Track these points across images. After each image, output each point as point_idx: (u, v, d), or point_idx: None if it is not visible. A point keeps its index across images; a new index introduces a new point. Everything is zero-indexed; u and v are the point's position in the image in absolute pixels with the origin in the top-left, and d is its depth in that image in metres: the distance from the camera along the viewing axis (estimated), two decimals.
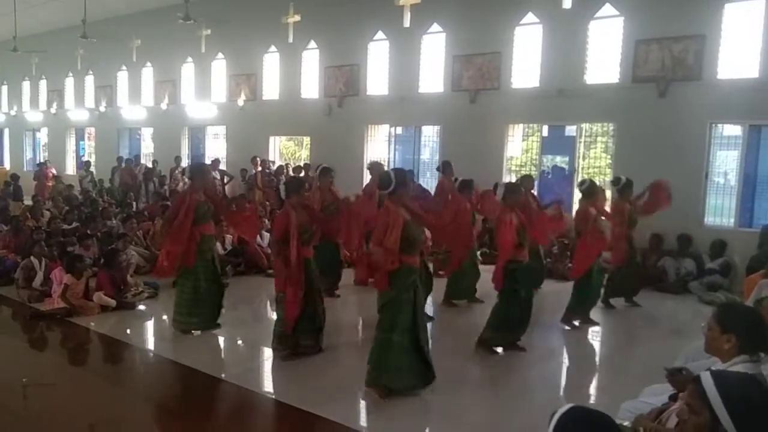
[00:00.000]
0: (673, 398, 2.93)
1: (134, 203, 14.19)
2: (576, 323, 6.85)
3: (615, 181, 7.80)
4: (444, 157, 11.37)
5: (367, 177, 9.90)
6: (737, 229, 9.20)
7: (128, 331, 6.59)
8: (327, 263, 7.21)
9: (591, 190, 6.90)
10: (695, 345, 4.07)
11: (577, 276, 6.86)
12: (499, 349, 5.86)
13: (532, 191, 8.51)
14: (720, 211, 9.54)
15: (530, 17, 10.89)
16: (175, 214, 6.11)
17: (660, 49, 9.50)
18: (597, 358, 6.33)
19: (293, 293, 5.29)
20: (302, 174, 13.44)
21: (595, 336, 6.82)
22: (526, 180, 8.39)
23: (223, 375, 5.26)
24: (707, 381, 1.87)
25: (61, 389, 4.98)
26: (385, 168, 11.00)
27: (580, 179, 9.18)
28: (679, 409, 2.27)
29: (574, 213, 9.85)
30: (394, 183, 4.60)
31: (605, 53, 10.26)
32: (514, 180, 10.04)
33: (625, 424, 2.94)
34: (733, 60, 9.10)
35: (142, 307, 7.35)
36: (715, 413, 1.83)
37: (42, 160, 19.50)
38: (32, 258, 7.63)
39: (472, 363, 5.66)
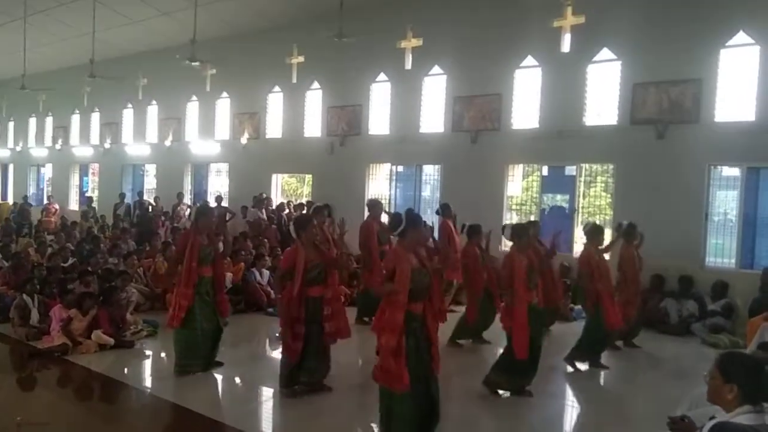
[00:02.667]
0: None
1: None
2: (579, 366, 6.77)
3: (617, 228, 7.80)
4: (445, 196, 11.47)
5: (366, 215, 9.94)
6: (739, 271, 9.18)
7: (126, 370, 6.52)
8: None
9: (593, 232, 6.92)
10: (699, 391, 4.02)
11: (619, 326, 6.82)
12: (506, 393, 5.78)
13: (539, 237, 8.48)
14: (721, 251, 9.53)
15: (530, 60, 11.09)
16: (180, 255, 6.10)
17: (657, 92, 9.65)
18: (601, 403, 6.23)
19: (289, 329, 5.35)
20: (305, 211, 13.52)
21: (599, 379, 6.73)
22: (534, 225, 8.39)
23: (221, 417, 5.19)
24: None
25: (56, 428, 4.91)
26: (384, 205, 11.09)
27: (581, 219, 9.19)
28: None
29: (575, 252, 9.90)
30: (404, 224, 4.34)
31: (604, 96, 10.42)
32: (516, 220, 10.08)
33: None
34: (730, 103, 9.24)
35: (140, 345, 7.29)
36: None
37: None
38: (24, 296, 7.60)
39: (474, 406, 5.58)
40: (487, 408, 5.58)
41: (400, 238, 4.43)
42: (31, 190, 23.71)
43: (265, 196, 14.30)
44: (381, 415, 4.40)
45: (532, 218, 11.29)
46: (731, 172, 9.53)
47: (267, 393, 5.84)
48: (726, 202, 9.68)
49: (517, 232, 5.83)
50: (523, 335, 5.46)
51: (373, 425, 4.81)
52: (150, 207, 16.12)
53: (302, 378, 5.54)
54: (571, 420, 5.68)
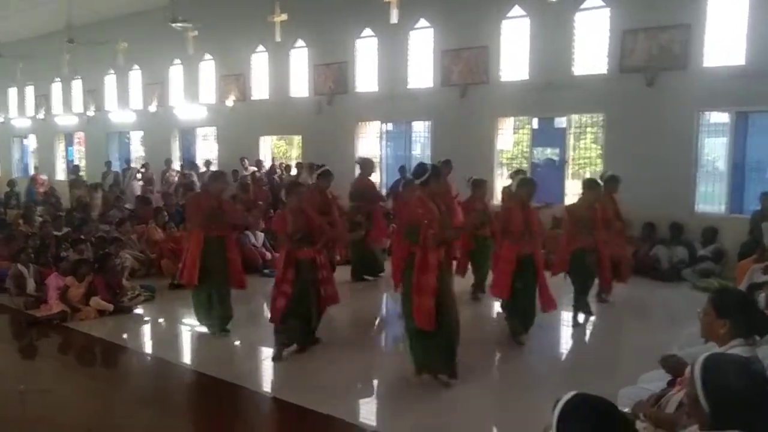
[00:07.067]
0: (671, 384, 2.97)
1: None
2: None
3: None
4: (435, 153, 11.42)
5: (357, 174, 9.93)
6: (728, 216, 9.28)
7: (125, 335, 6.57)
8: None
9: (591, 185, 6.96)
10: (690, 331, 4.13)
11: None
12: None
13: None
14: (711, 198, 9.62)
15: (517, 10, 10.91)
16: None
17: (647, 38, 9.55)
18: (594, 347, 6.38)
19: (277, 287, 5.45)
20: (296, 172, 13.45)
21: (590, 325, 6.86)
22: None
23: (222, 375, 5.27)
24: (698, 363, 1.93)
25: (59, 395, 4.97)
26: (375, 162, 11.04)
27: (571, 172, 9.16)
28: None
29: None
30: (428, 174, 4.69)
31: (593, 44, 10.31)
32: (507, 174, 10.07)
33: (625, 410, 2.97)
34: (719, 48, 9.17)
35: (138, 310, 7.34)
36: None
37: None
38: (19, 265, 7.60)
39: (469, 355, 5.67)
40: (479, 356, 5.64)
41: (422, 187, 4.74)
42: (16, 161, 23.41)
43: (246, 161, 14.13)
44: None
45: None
46: (720, 118, 9.53)
47: (266, 352, 5.90)
48: (715, 149, 9.72)
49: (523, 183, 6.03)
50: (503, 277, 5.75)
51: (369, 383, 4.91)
52: (139, 174, 16.00)
53: (281, 339, 5.56)
54: (566, 364, 5.81)
